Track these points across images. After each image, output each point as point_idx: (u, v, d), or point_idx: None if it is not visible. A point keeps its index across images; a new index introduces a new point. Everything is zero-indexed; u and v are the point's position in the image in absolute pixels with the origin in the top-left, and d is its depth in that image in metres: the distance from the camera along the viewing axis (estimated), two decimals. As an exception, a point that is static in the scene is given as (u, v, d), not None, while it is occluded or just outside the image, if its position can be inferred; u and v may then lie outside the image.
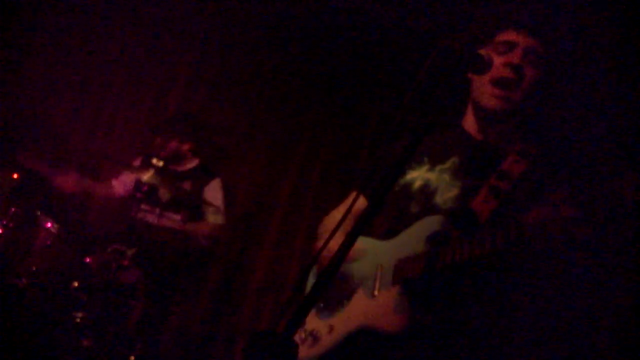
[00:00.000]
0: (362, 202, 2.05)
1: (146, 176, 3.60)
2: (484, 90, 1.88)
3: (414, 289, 1.73)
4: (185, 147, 4.16)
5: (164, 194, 3.90)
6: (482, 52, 1.71)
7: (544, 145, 1.91)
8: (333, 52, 4.58)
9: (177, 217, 3.82)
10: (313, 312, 1.95)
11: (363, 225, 1.39)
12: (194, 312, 3.97)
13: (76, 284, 3.24)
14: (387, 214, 2.02)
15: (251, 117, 4.76)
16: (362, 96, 4.58)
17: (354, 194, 2.15)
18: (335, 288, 1.94)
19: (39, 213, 3.38)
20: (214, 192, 4.05)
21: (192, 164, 4.20)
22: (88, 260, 3.32)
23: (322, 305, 1.95)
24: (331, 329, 1.85)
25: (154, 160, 3.79)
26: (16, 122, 4.51)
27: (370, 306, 1.80)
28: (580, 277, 1.89)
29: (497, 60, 1.83)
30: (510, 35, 1.88)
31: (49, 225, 3.35)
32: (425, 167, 1.97)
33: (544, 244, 1.56)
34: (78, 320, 3.18)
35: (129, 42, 4.88)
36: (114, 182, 4.16)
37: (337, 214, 2.22)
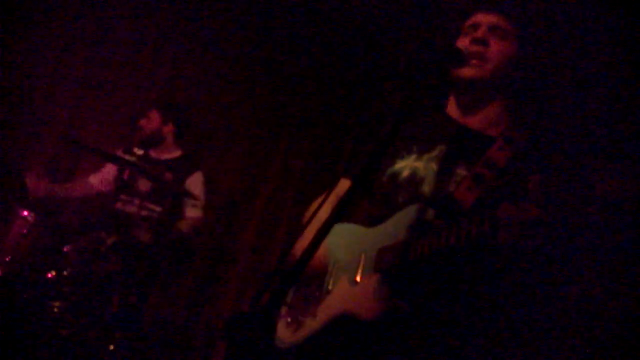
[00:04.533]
0: (346, 186, 2.06)
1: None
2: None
3: (393, 277, 1.74)
4: (167, 128, 4.11)
5: (144, 184, 3.85)
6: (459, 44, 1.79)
7: (529, 131, 1.92)
8: (317, 42, 4.57)
9: (158, 209, 3.77)
10: (301, 297, 1.96)
11: (344, 207, 1.38)
12: (174, 302, 3.94)
13: (53, 273, 3.19)
14: (374, 203, 2.02)
15: (234, 107, 4.74)
16: (345, 88, 4.58)
17: (340, 181, 2.17)
18: (320, 276, 1.94)
19: (14, 202, 3.32)
20: (195, 185, 4.00)
21: (175, 154, 4.16)
22: (65, 249, 3.26)
23: (307, 292, 1.95)
24: (315, 314, 1.85)
25: (135, 150, 3.75)
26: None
27: (351, 292, 1.80)
28: (553, 274, 1.88)
29: (465, 40, 1.93)
30: (475, 19, 1.97)
31: (25, 213, 3.29)
32: (414, 156, 1.97)
33: (516, 239, 1.54)
34: (55, 309, 3.15)
35: (110, 30, 4.81)
36: (92, 179, 4.09)
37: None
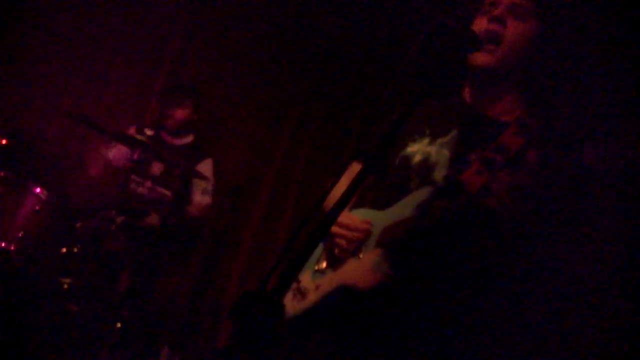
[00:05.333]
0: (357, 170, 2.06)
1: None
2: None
3: (394, 253, 1.77)
4: (194, 118, 4.16)
5: (156, 167, 3.89)
6: (474, 28, 1.72)
7: (544, 120, 1.86)
8: (324, 26, 4.56)
9: (168, 192, 3.82)
10: (308, 271, 1.99)
11: (355, 188, 1.39)
12: (181, 283, 3.99)
13: (64, 250, 3.24)
14: (386, 187, 2.03)
15: (241, 92, 4.75)
16: (353, 74, 4.58)
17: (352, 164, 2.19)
18: (330, 253, 1.97)
19: (28, 178, 3.36)
20: (205, 171, 4.03)
21: (187, 139, 4.19)
22: (78, 225, 3.31)
23: (316, 268, 1.98)
24: (317, 287, 1.89)
25: (147, 130, 3.77)
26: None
27: (353, 266, 1.84)
28: (548, 244, 1.89)
29: (482, 20, 1.86)
30: None
31: (37, 190, 3.34)
32: (427, 140, 1.96)
33: (507, 205, 1.59)
34: (65, 286, 3.19)
35: (120, 10, 4.82)
36: (106, 153, 4.11)
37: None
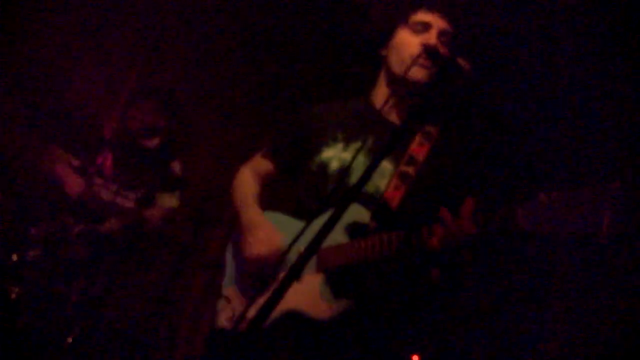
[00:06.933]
0: (267, 164, 2.25)
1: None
2: (406, 63, 1.98)
3: (336, 279, 1.85)
4: (161, 122, 3.99)
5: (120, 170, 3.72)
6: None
7: (442, 126, 2.07)
8: (300, 31, 4.51)
9: (132, 195, 3.64)
10: (239, 289, 2.05)
11: (327, 232, 1.38)
12: (139, 296, 3.83)
13: (15, 258, 3.04)
14: (304, 192, 2.10)
15: (213, 96, 4.65)
16: (330, 80, 4.51)
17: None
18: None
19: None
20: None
21: (154, 142, 4.03)
22: (33, 231, 3.11)
23: (244, 284, 2.04)
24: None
25: (111, 134, 3.61)
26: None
27: (297, 290, 1.80)
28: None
29: (414, 37, 2.03)
30: (425, 17, 2.04)
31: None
32: (340, 145, 2.05)
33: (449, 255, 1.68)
34: (13, 295, 2.99)
35: (92, 11, 4.64)
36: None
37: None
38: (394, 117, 2.09)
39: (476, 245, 1.62)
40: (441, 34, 2.02)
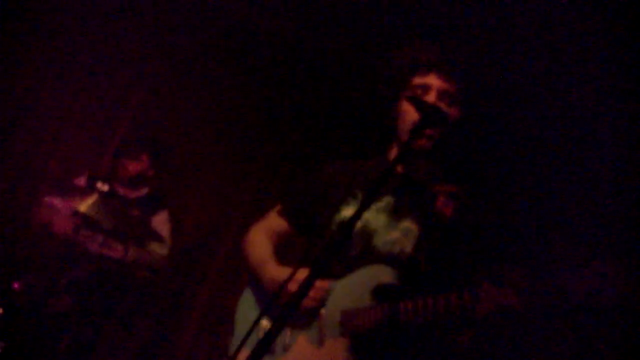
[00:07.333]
0: (281, 223, 2.18)
1: (84, 206, 3.40)
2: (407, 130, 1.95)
3: (362, 343, 1.73)
4: (150, 172, 4.01)
5: (108, 221, 3.70)
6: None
7: (466, 185, 2.01)
8: (290, 79, 4.56)
9: (120, 246, 3.62)
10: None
11: (321, 269, 1.39)
12: (127, 347, 3.77)
13: (0, 311, 3.02)
14: (325, 252, 1.98)
15: (202, 147, 4.64)
16: (318, 129, 4.55)
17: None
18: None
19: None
20: (161, 223, 3.89)
21: (142, 192, 4.04)
22: (15, 286, 3.09)
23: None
24: None
25: (99, 184, 3.59)
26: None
27: (318, 356, 1.76)
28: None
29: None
30: (426, 79, 2.00)
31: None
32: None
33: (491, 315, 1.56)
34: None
35: (78, 52, 4.67)
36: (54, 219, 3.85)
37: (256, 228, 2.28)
38: (412, 173, 2.03)
39: (517, 316, 1.52)
40: (441, 94, 1.96)
